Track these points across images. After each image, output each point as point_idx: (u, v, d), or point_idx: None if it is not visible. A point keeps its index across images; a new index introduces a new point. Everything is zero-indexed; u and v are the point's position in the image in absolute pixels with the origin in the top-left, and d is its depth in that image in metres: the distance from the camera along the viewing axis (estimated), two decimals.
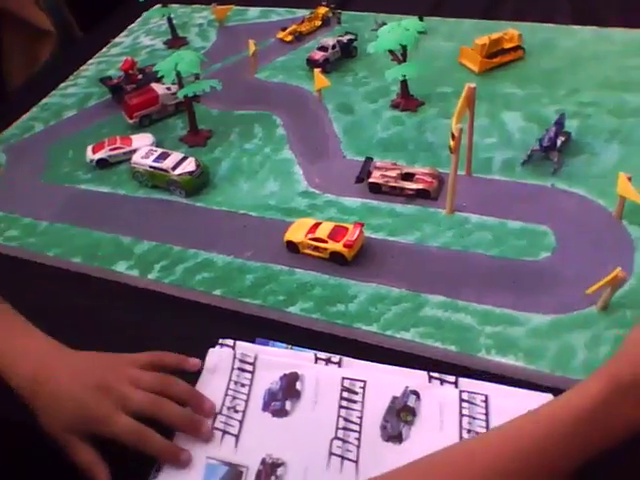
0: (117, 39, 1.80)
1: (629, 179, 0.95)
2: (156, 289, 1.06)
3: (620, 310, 0.87)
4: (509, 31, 1.40)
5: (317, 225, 1.05)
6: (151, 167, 1.22)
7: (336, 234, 1.02)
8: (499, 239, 1.01)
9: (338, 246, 1.00)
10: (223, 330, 0.95)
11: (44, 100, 1.58)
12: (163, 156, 1.23)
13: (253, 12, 1.79)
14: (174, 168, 1.20)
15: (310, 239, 1.03)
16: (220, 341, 0.93)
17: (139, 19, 1.88)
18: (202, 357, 0.91)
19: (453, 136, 0.98)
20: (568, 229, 1.00)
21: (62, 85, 1.63)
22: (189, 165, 1.20)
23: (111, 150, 1.31)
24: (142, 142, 1.33)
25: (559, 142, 1.12)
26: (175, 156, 1.23)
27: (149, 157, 1.23)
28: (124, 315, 1.03)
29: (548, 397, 0.79)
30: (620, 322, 0.85)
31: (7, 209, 1.25)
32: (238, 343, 0.92)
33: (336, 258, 1.02)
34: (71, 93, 1.60)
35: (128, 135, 1.36)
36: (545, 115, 1.23)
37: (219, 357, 0.91)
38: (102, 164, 1.31)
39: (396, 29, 1.22)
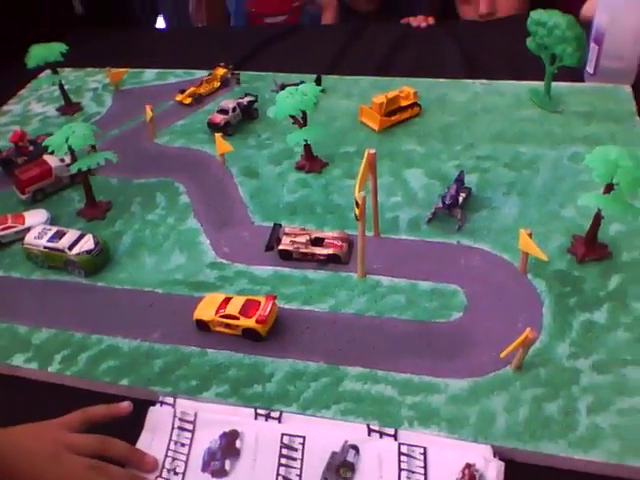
0: (6, 106, 1.72)
1: (529, 235, 0.97)
2: (58, 382, 0.98)
3: (534, 368, 0.88)
4: (404, 89, 1.44)
5: (227, 300, 1.01)
6: (46, 247, 1.14)
7: (248, 309, 0.98)
8: (411, 302, 1.01)
9: (251, 322, 0.97)
10: (136, 422, 0.89)
11: None
12: (58, 235, 1.16)
13: (149, 74, 1.76)
14: (71, 247, 1.13)
15: (221, 316, 0.99)
16: (160, 399, 0.91)
17: (29, 84, 1.80)
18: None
19: (357, 204, 0.98)
20: (477, 287, 1.02)
21: None
22: (87, 243, 1.14)
23: (2, 230, 1.23)
24: (36, 219, 1.25)
25: (460, 199, 1.14)
26: (71, 234, 1.16)
27: (43, 237, 1.15)
28: (27, 411, 0.94)
29: (487, 449, 0.79)
30: (535, 381, 0.87)
31: None
32: (178, 401, 0.91)
33: (250, 334, 0.98)
34: None
35: (21, 212, 1.28)
36: (445, 171, 1.26)
37: (159, 416, 0.89)
38: None
39: (294, 94, 1.22)
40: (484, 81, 1.53)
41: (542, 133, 1.34)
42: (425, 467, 0.79)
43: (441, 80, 1.56)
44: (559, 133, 1.33)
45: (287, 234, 1.14)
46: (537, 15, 1.33)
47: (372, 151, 1.02)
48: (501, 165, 1.26)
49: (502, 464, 0.78)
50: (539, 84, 1.44)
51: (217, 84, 1.63)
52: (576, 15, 1.33)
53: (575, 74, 1.48)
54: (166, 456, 0.85)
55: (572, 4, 1.90)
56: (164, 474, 0.83)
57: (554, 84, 1.42)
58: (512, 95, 1.47)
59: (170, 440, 0.87)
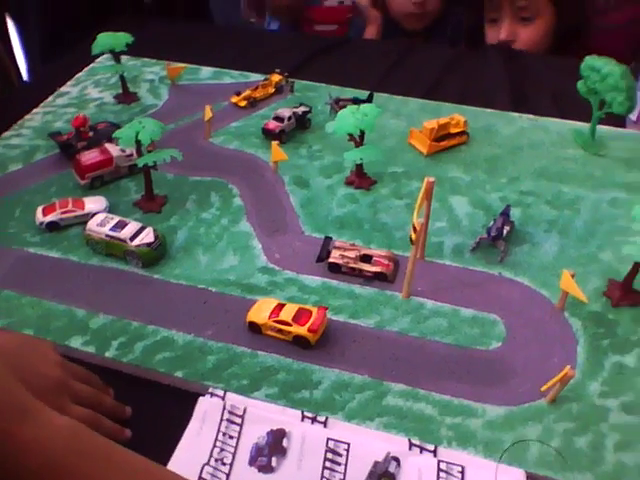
0: (63, 88, 1.77)
1: (572, 276, 1.03)
2: (114, 367, 1.04)
3: (567, 403, 0.94)
4: (455, 116, 1.49)
5: (281, 307, 1.07)
6: (107, 236, 1.20)
7: (300, 317, 1.04)
8: (453, 327, 1.07)
9: (302, 330, 1.03)
10: (185, 411, 0.95)
11: None
12: (120, 225, 1.22)
13: (206, 72, 1.81)
14: (132, 238, 1.19)
15: (274, 321, 1.05)
16: (210, 390, 0.97)
17: (87, 68, 1.85)
18: (170, 438, 0.92)
19: (414, 229, 1.03)
20: (516, 319, 1.08)
21: (5, 135, 1.58)
22: (147, 236, 1.20)
23: (63, 213, 1.29)
24: (95, 206, 1.31)
25: (505, 232, 1.20)
26: (133, 225, 1.22)
27: (105, 225, 1.21)
28: None
29: (521, 473, 0.85)
30: (567, 415, 0.93)
31: None
32: (228, 394, 0.96)
33: (299, 341, 1.04)
34: (15, 144, 1.55)
35: (79, 196, 1.34)
36: (489, 202, 1.32)
37: (209, 406, 0.95)
38: (52, 227, 1.28)
39: (356, 113, 1.27)
40: (530, 116, 1.59)
41: (584, 174, 1.39)
42: None
43: (488, 110, 1.62)
44: (600, 176, 1.39)
45: (337, 247, 1.19)
46: (592, 60, 1.38)
47: (431, 179, 1.08)
48: (543, 202, 1.32)
49: None
50: (583, 125, 1.50)
51: (272, 90, 1.68)
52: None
53: (617, 119, 1.53)
54: (214, 446, 0.91)
55: (597, 41, 1.96)
56: (212, 463, 0.88)
57: (598, 127, 1.47)
58: (557, 133, 1.53)
59: (218, 431, 0.92)
